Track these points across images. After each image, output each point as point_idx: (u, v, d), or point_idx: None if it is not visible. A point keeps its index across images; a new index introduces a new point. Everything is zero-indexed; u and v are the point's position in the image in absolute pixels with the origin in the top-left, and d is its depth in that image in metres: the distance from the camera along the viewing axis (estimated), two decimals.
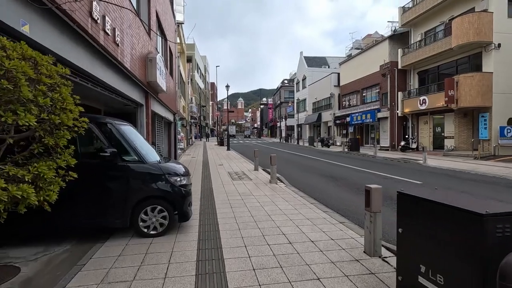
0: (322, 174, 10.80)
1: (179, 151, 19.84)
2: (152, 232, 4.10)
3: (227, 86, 23.52)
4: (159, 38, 10.90)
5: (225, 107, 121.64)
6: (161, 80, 8.93)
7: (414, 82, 21.67)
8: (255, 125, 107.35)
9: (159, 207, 4.12)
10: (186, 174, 4.58)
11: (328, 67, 41.84)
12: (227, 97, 24.04)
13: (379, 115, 23.45)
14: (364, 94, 26.82)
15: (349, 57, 33.16)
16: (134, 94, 7.26)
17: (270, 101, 70.36)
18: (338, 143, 29.77)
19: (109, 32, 4.67)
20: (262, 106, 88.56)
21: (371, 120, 24.06)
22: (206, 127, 66.43)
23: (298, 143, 34.83)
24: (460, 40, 16.08)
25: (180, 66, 22.68)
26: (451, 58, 18.33)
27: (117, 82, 5.75)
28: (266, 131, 75.86)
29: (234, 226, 4.62)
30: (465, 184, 8.60)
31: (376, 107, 23.95)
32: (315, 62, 42.95)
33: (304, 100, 39.96)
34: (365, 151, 21.33)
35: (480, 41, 15.69)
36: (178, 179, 4.31)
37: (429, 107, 18.78)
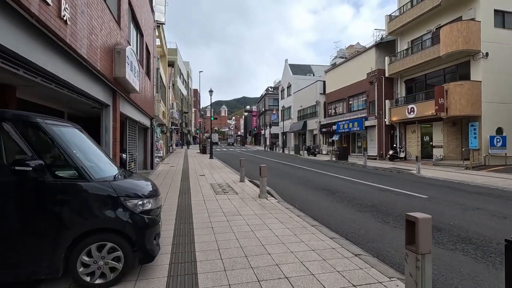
0: (316, 186, 9.78)
1: (157, 160, 18.32)
2: (98, 282, 2.83)
3: (211, 91, 22.33)
4: (134, 32, 9.64)
5: (208, 114, 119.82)
6: (133, 77, 7.66)
7: (401, 91, 21.43)
8: (239, 133, 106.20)
9: (109, 245, 2.86)
10: (153, 195, 3.35)
11: (313, 75, 41.68)
12: (211, 103, 22.81)
13: (367, 123, 23.02)
14: (350, 102, 26.45)
15: (335, 65, 33.01)
16: (96, 91, 5.95)
17: (254, 108, 69.63)
18: (324, 152, 29.14)
19: (49, 0, 3.43)
20: (246, 114, 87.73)
21: (358, 128, 23.59)
22: (189, 134, 64.54)
23: (283, 151, 33.97)
24: (449, 48, 15.86)
25: (160, 69, 21.32)
26: (438, 67, 18.17)
27: (67, 73, 4.47)
28: (250, 139, 74.86)
29: (217, 265, 3.41)
30: (474, 198, 7.83)
31: (363, 115, 23.54)
32: (300, 70, 42.70)
33: (289, 107, 39.40)
34: (354, 160, 20.68)
35: (469, 50, 15.52)
36: (140, 202, 3.08)
37: (418, 116, 18.44)
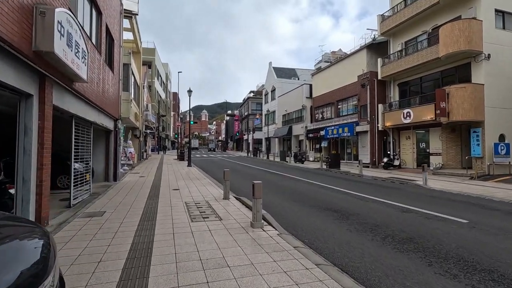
0: (318, 204, 7.85)
1: (125, 168, 15.77)
2: None
3: (189, 91, 20.07)
4: (83, 2, 7.34)
5: (188, 119, 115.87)
6: (74, 58, 5.41)
7: (394, 94, 20.25)
8: (220, 138, 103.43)
9: None
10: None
11: (298, 79, 40.38)
12: (190, 104, 20.54)
13: (358, 128, 21.64)
14: (339, 106, 25.09)
15: (320, 68, 31.79)
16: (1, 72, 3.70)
17: (236, 112, 67.54)
18: (311, 158, 27.54)
19: None
20: (227, 118, 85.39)
21: (349, 134, 22.16)
22: (167, 139, 61.26)
23: (267, 157, 32.07)
24: (450, 49, 14.72)
25: (133, 65, 18.83)
26: (436, 69, 17.07)
27: None
28: (232, 144, 72.50)
29: None
30: None
31: (354, 120, 22.16)
32: (284, 73, 41.28)
33: (273, 112, 37.73)
34: (346, 168, 19.12)
35: (471, 50, 14.44)
36: None
37: (414, 121, 17.19)
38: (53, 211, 6.10)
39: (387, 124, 19.41)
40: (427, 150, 17.73)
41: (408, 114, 17.57)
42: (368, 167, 20.30)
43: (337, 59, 27.92)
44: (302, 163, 24.06)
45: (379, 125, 19.99)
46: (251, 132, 43.95)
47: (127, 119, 18.15)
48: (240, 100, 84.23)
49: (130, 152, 16.29)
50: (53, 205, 6.45)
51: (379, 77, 20.26)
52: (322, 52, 39.13)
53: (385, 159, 18.79)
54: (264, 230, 5.14)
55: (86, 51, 6.19)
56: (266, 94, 43.49)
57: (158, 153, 41.43)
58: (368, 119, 20.66)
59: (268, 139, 40.95)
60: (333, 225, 5.87)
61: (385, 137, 20.71)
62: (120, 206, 6.97)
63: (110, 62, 10.33)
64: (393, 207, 7.55)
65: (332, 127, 24.25)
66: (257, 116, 48.52)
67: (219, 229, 5.17)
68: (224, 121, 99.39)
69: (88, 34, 7.60)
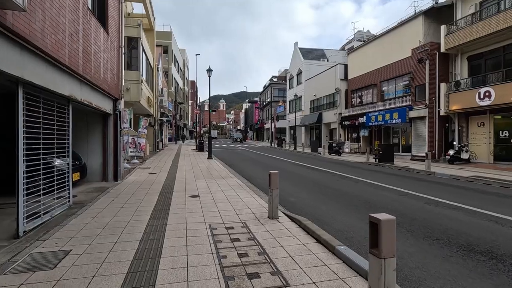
0: (433, 235, 4.62)
1: (134, 162, 13.12)
2: None
3: (209, 70, 17.02)
4: None
5: (206, 109, 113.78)
6: None
7: (462, 71, 16.21)
8: (238, 127, 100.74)
9: None
10: None
11: (327, 60, 36.30)
12: (209, 85, 17.48)
13: (412, 114, 17.83)
14: (383, 89, 21.21)
15: (352, 48, 27.71)
16: None
17: (257, 100, 64.18)
18: (346, 150, 23.96)
19: None
20: (247, 106, 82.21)
21: (399, 120, 18.39)
22: (185, 128, 59.25)
23: (295, 148, 28.77)
24: None
25: (143, 39, 15.97)
26: None
27: None
28: (252, 134, 69.51)
29: None
30: None
31: (406, 104, 18.33)
32: (311, 54, 37.28)
33: (300, 98, 34.08)
34: (399, 163, 15.56)
35: None
36: None
37: (497, 103, 13.29)
38: None
39: (453, 107, 15.53)
40: None
41: (487, 94, 13.65)
42: (423, 161, 16.59)
43: (387, 28, 23.81)
44: (339, 155, 20.62)
45: (441, 109, 16.14)
46: (274, 121, 40.63)
47: (138, 104, 15.46)
48: (258, 90, 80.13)
49: (140, 143, 13.57)
50: None
51: (442, 49, 16.25)
52: (355, 30, 34.72)
53: (451, 152, 15.03)
54: None
55: None
56: (291, 79, 39.75)
57: (176, 143, 39.19)
58: (427, 102, 16.80)
59: (292, 128, 37.53)
60: None
61: (446, 125, 16.85)
62: (100, 238, 4.07)
63: (100, 15, 7.38)
64: None
65: (377, 113, 20.49)
66: (280, 103, 45.00)
67: None
68: (243, 110, 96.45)
69: None
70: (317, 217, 5.45)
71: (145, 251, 3.60)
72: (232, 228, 4.58)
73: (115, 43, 8.68)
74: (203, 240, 4.02)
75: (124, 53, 9.54)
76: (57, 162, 6.11)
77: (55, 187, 5.25)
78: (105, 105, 8.01)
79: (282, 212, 5.39)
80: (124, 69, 14.63)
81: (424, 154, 17.02)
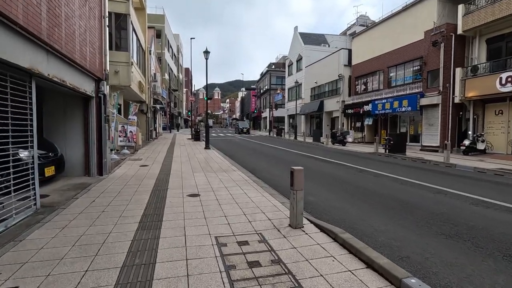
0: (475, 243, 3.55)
1: (124, 152, 11.86)
2: None
3: (206, 52, 15.50)
4: None
5: (201, 96, 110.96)
6: None
7: (479, 54, 15.05)
8: (234, 116, 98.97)
9: None
10: None
11: (329, 45, 34.79)
12: (206, 68, 15.97)
13: (423, 101, 16.71)
14: (391, 75, 20.00)
15: (355, 33, 26.27)
16: None
17: (253, 87, 62.37)
18: (349, 139, 22.90)
19: None
20: (244, 94, 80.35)
21: (409, 108, 17.28)
22: (179, 117, 57.58)
23: (295, 137, 27.65)
24: None
25: (132, 17, 14.43)
26: None
27: None
28: (248, 123, 67.94)
29: None
30: None
31: (417, 90, 17.19)
32: (312, 39, 35.67)
33: (300, 85, 32.70)
34: (411, 154, 14.56)
35: None
36: None
37: None
38: None
39: (470, 94, 14.45)
40: None
41: (510, 79, 12.57)
42: (436, 151, 15.64)
43: (380, 19, 22.39)
44: (344, 145, 19.56)
45: (455, 96, 15.05)
46: (272, 109, 39.28)
47: (128, 89, 14.05)
48: (254, 78, 78.06)
49: (131, 132, 12.26)
50: None
51: (459, 32, 15.02)
52: (357, 14, 33.17)
53: (467, 142, 14.04)
54: None
55: None
56: (290, 65, 38.20)
57: (170, 132, 37.74)
58: (440, 88, 15.68)
59: (292, 117, 36.32)
60: None
61: (460, 113, 15.82)
62: (65, 265, 2.87)
63: None
64: None
65: (384, 101, 19.34)
66: (278, 91, 43.56)
67: None
68: (239, 98, 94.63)
69: None
70: (349, 224, 4.34)
71: (132, 268, 2.43)
72: (247, 243, 3.44)
73: (96, 10, 7.27)
74: (210, 265, 2.87)
75: (108, 26, 8.12)
76: (24, 154, 4.90)
77: (12, 187, 4.01)
78: (85, 86, 6.69)
79: (306, 218, 4.26)
80: (113, 50, 13.22)
81: (435, 145, 16.07)
